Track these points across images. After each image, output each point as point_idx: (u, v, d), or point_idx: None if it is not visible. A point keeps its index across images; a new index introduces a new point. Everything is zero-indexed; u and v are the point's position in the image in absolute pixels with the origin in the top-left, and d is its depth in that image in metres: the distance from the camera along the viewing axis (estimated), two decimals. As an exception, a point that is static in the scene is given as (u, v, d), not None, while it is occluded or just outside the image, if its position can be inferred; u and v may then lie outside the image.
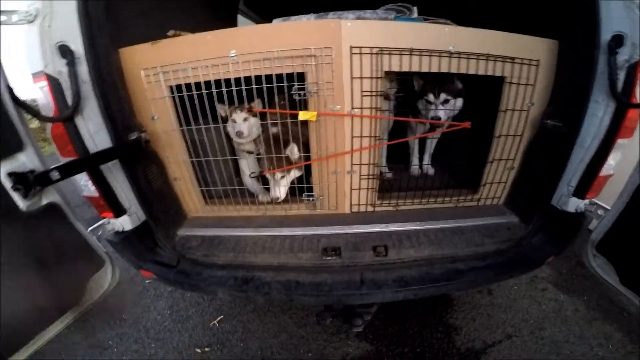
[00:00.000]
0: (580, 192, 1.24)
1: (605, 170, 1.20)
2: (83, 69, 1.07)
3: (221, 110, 1.53)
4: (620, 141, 1.14)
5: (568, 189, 1.26)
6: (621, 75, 1.07)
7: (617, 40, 1.05)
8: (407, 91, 1.64)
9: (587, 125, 1.16)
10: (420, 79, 1.70)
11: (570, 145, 1.20)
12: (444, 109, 1.62)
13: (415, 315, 1.95)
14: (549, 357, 1.68)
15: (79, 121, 1.10)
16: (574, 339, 1.76)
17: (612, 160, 1.19)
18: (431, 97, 1.63)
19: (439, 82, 1.61)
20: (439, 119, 1.60)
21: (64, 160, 1.12)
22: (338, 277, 1.25)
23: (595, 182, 1.22)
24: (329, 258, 1.30)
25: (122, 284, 2.23)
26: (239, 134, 1.54)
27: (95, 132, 1.13)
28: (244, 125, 1.55)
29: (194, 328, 1.96)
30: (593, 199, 1.25)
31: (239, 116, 1.55)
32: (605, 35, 1.07)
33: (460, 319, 1.92)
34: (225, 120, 1.58)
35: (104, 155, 1.13)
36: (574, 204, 1.26)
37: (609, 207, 1.16)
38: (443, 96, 1.60)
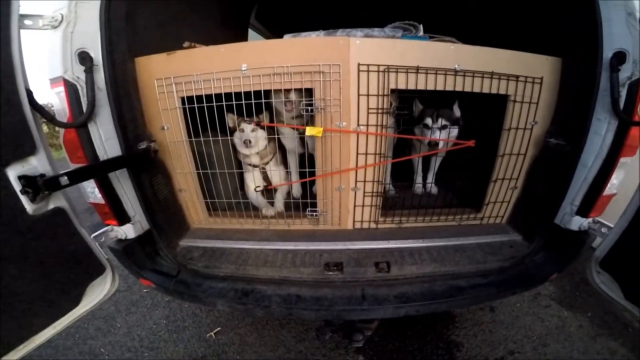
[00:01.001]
0: (584, 211, 1.24)
1: (608, 190, 1.20)
2: (100, 77, 1.09)
3: (230, 120, 1.54)
4: (623, 159, 1.14)
5: (571, 208, 1.27)
6: (623, 93, 1.08)
7: (619, 57, 1.06)
8: (410, 109, 1.66)
9: (589, 144, 1.17)
10: (419, 103, 1.71)
11: (574, 164, 1.20)
12: (440, 135, 1.63)
13: (415, 332, 1.92)
14: None
15: (92, 128, 1.12)
16: (577, 355, 1.74)
17: (615, 180, 1.19)
18: (429, 121, 1.64)
19: (437, 108, 1.63)
20: (437, 144, 1.62)
21: (73, 166, 1.12)
22: (339, 292, 1.24)
23: (598, 201, 1.22)
24: (331, 273, 1.29)
25: (118, 291, 2.24)
26: (247, 142, 1.54)
27: (106, 140, 1.14)
28: (251, 135, 1.56)
29: (189, 339, 1.93)
30: (596, 217, 1.25)
31: (247, 127, 1.56)
32: (607, 53, 1.08)
33: (461, 336, 1.90)
34: (232, 131, 1.60)
35: (113, 164, 1.14)
36: (577, 223, 1.26)
37: (612, 225, 1.15)
38: (441, 122, 1.61)
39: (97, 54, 1.07)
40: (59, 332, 1.05)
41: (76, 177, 0.99)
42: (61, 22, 1.02)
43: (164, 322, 2.05)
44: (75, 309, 1.09)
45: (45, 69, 1.06)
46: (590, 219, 1.25)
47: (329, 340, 1.83)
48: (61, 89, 1.05)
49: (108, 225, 1.24)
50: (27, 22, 0.94)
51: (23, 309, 0.94)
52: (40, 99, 0.89)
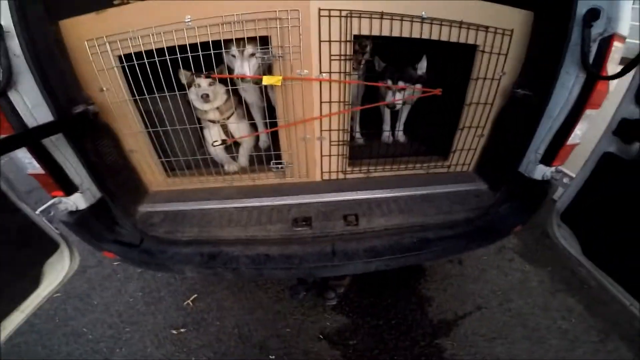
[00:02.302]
0: (547, 159, 1.26)
1: (572, 140, 1.22)
2: (15, 43, 0.98)
3: (183, 76, 1.42)
4: (588, 112, 1.15)
5: (535, 156, 1.28)
6: (593, 48, 1.07)
7: (593, 14, 1.04)
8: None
9: (556, 96, 1.17)
10: (382, 61, 1.66)
11: (540, 114, 1.20)
12: (400, 96, 1.60)
13: (388, 287, 1.98)
14: (516, 330, 1.75)
15: (14, 96, 1.01)
16: (538, 311, 1.83)
17: (579, 130, 1.20)
18: (389, 82, 1.60)
19: (399, 66, 1.58)
20: (394, 107, 1.57)
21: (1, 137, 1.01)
22: (309, 249, 1.23)
23: (562, 150, 1.23)
24: (300, 229, 1.27)
25: (89, 268, 2.17)
26: (205, 97, 1.44)
27: (33, 107, 1.04)
28: (209, 89, 1.46)
29: (167, 309, 1.92)
30: (559, 167, 1.27)
31: (203, 81, 1.45)
32: (582, 9, 1.06)
33: (432, 290, 1.97)
34: (187, 87, 1.49)
35: (44, 129, 1.03)
36: (541, 171, 1.28)
37: (573, 175, 1.18)
38: (400, 84, 1.57)
39: (7, 20, 0.96)
40: (31, 316, 1.01)
41: (2, 147, 0.90)
42: None
43: (139, 295, 2.02)
44: (37, 290, 1.04)
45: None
46: (553, 168, 1.27)
47: (306, 300, 1.86)
48: None
49: (55, 197, 1.15)
50: None
51: None
52: None
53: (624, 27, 1.02)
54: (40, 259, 1.07)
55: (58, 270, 1.11)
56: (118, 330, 1.82)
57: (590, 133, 1.21)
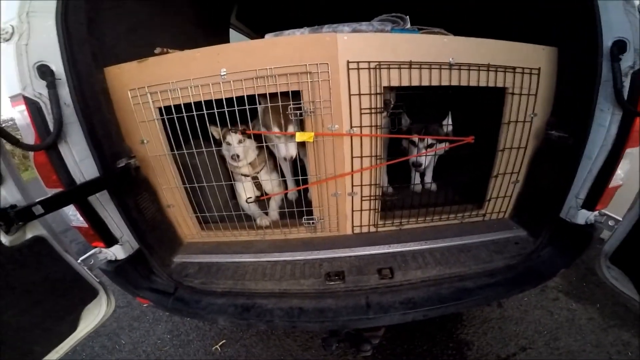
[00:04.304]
0: (590, 203, 1.20)
1: (614, 181, 1.16)
2: (65, 91, 1.00)
3: (214, 132, 1.47)
4: (628, 150, 1.10)
5: (577, 201, 1.22)
6: (626, 83, 1.03)
7: (620, 46, 1.02)
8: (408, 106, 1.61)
9: (593, 136, 1.13)
10: (407, 117, 1.66)
11: (578, 157, 1.16)
12: (426, 154, 1.60)
13: (424, 333, 1.88)
14: None
15: (63, 148, 1.03)
16: (590, 348, 1.71)
17: (620, 170, 1.15)
18: (415, 138, 1.59)
19: (426, 122, 1.57)
20: (420, 165, 1.55)
21: (49, 191, 1.06)
22: (343, 302, 1.20)
23: (604, 193, 1.18)
24: (332, 283, 1.24)
25: (119, 308, 2.20)
26: (235, 157, 1.49)
27: (80, 160, 1.06)
28: (239, 148, 1.50)
29: (195, 353, 1.89)
30: (603, 210, 1.21)
31: (233, 138, 1.50)
32: (607, 42, 1.04)
33: (471, 334, 1.86)
34: (219, 143, 1.53)
35: (91, 187, 1.06)
36: (584, 216, 1.22)
37: (620, 218, 1.11)
38: (427, 141, 1.57)
39: (58, 67, 0.98)
40: (63, 355, 1.03)
41: (51, 205, 0.92)
42: (12, 34, 0.93)
43: (168, 337, 2.01)
44: (73, 333, 1.06)
45: (4, 86, 0.98)
46: (596, 212, 1.21)
47: (336, 349, 1.80)
48: (23, 107, 0.97)
49: (95, 247, 1.19)
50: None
51: (20, 338, 0.91)
52: (5, 116, 0.83)
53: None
54: (80, 305, 1.10)
55: (95, 315, 1.13)
56: (144, 372, 1.80)
57: (632, 171, 1.16)
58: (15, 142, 0.88)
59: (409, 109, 1.65)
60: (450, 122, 1.62)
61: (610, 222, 1.16)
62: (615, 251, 1.09)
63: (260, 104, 1.37)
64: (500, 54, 1.26)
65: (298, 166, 1.43)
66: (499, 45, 1.25)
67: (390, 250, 1.38)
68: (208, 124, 1.35)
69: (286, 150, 1.40)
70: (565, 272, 2.14)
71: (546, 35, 1.29)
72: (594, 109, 1.10)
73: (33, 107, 0.97)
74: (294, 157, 1.43)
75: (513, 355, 1.71)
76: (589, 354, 1.67)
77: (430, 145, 1.57)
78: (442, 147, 1.64)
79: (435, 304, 1.18)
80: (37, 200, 0.90)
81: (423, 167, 1.67)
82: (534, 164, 1.41)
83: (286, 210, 1.49)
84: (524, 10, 1.49)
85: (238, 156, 1.48)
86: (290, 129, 1.36)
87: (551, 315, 1.93)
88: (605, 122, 1.10)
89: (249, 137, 1.52)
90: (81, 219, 1.12)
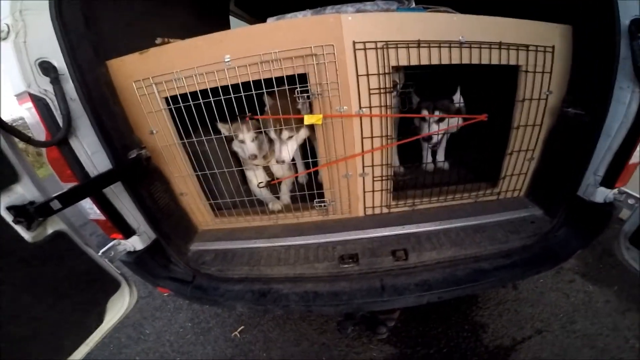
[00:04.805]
0: (609, 181, 1.17)
1: (634, 159, 1.13)
2: (70, 86, 1.00)
3: (224, 129, 1.46)
4: None
5: (595, 179, 1.19)
6: None
7: (638, 25, 0.98)
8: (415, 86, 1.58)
9: (612, 113, 1.10)
10: (417, 95, 1.63)
11: (596, 134, 1.13)
12: (438, 129, 1.57)
13: (439, 315, 1.89)
14: (582, 352, 1.61)
15: (74, 143, 1.04)
16: (607, 332, 1.68)
17: (640, 148, 1.13)
18: (425, 113, 1.56)
19: (436, 99, 1.55)
20: (431, 139, 1.53)
21: (65, 186, 1.08)
22: (357, 285, 1.21)
23: (624, 169, 1.15)
24: (346, 266, 1.25)
25: (141, 298, 2.28)
26: (252, 157, 1.49)
27: (92, 154, 1.08)
28: (253, 145, 1.50)
29: (216, 340, 1.95)
30: (622, 188, 1.18)
31: (247, 136, 1.48)
32: (624, 20, 1.00)
33: (486, 316, 1.86)
34: (229, 139, 1.53)
35: (105, 179, 1.08)
36: (602, 194, 1.19)
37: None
38: (437, 114, 1.54)
39: (60, 62, 0.98)
40: (92, 348, 1.07)
41: (68, 199, 0.94)
42: (8, 32, 0.93)
43: (189, 325, 2.08)
44: (101, 325, 1.10)
45: (9, 85, 0.98)
46: (615, 190, 1.18)
47: (351, 332, 1.83)
48: (30, 104, 0.98)
49: (114, 239, 1.22)
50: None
51: (50, 333, 0.94)
52: (15, 115, 0.84)
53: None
54: (105, 297, 1.13)
55: (119, 306, 1.16)
56: (169, 360, 1.87)
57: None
58: (27, 139, 0.91)
59: (419, 88, 1.62)
60: (460, 98, 1.59)
61: (630, 201, 1.13)
62: (635, 231, 1.07)
63: (266, 104, 1.38)
64: (512, 32, 1.22)
65: (307, 149, 1.42)
66: (510, 23, 1.22)
67: (404, 231, 1.37)
68: (218, 120, 1.35)
69: (280, 152, 1.42)
70: (582, 253, 2.13)
71: (559, 14, 1.25)
72: (613, 87, 1.07)
73: (40, 103, 0.99)
74: (286, 161, 1.44)
75: (529, 338, 1.70)
76: (605, 337, 1.65)
77: (440, 120, 1.55)
78: (453, 126, 1.61)
79: (451, 286, 1.18)
80: (54, 195, 0.92)
81: (435, 140, 1.64)
82: (550, 141, 1.38)
83: (297, 193, 1.49)
84: None
85: (255, 155, 1.49)
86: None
87: (567, 297, 1.91)
88: (626, 99, 1.07)
89: (260, 132, 1.51)
90: (98, 211, 1.16)
